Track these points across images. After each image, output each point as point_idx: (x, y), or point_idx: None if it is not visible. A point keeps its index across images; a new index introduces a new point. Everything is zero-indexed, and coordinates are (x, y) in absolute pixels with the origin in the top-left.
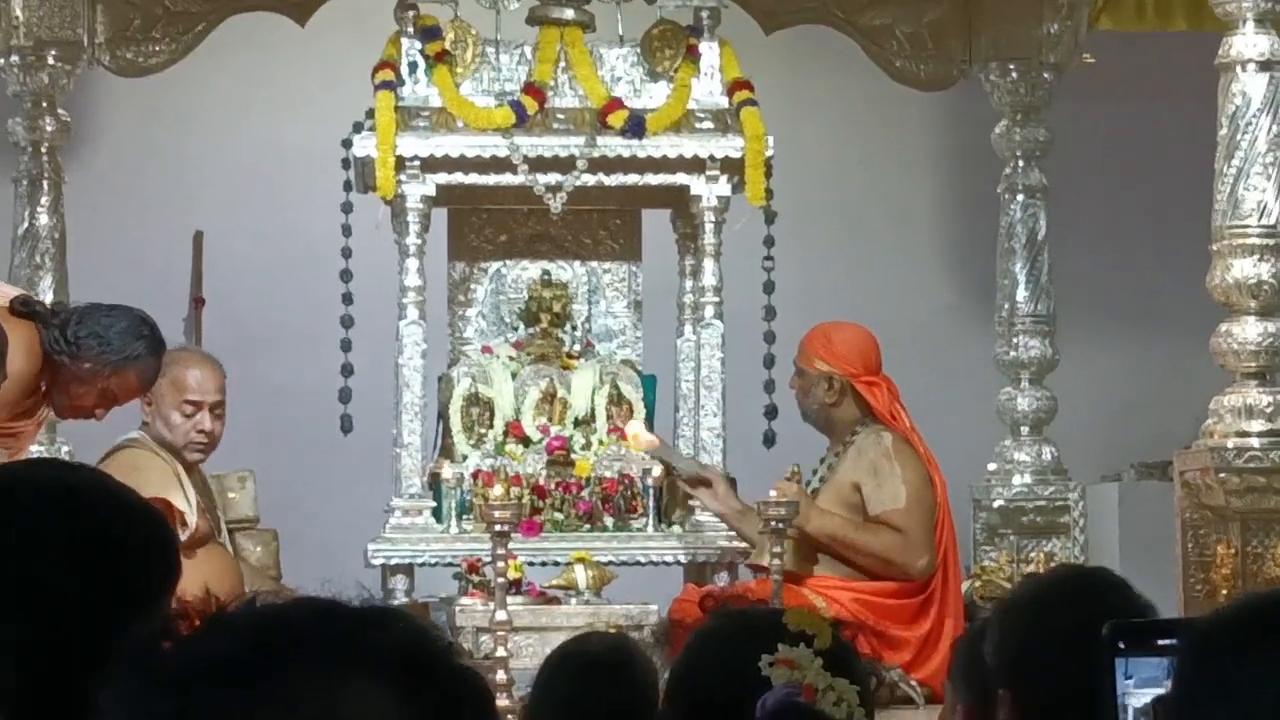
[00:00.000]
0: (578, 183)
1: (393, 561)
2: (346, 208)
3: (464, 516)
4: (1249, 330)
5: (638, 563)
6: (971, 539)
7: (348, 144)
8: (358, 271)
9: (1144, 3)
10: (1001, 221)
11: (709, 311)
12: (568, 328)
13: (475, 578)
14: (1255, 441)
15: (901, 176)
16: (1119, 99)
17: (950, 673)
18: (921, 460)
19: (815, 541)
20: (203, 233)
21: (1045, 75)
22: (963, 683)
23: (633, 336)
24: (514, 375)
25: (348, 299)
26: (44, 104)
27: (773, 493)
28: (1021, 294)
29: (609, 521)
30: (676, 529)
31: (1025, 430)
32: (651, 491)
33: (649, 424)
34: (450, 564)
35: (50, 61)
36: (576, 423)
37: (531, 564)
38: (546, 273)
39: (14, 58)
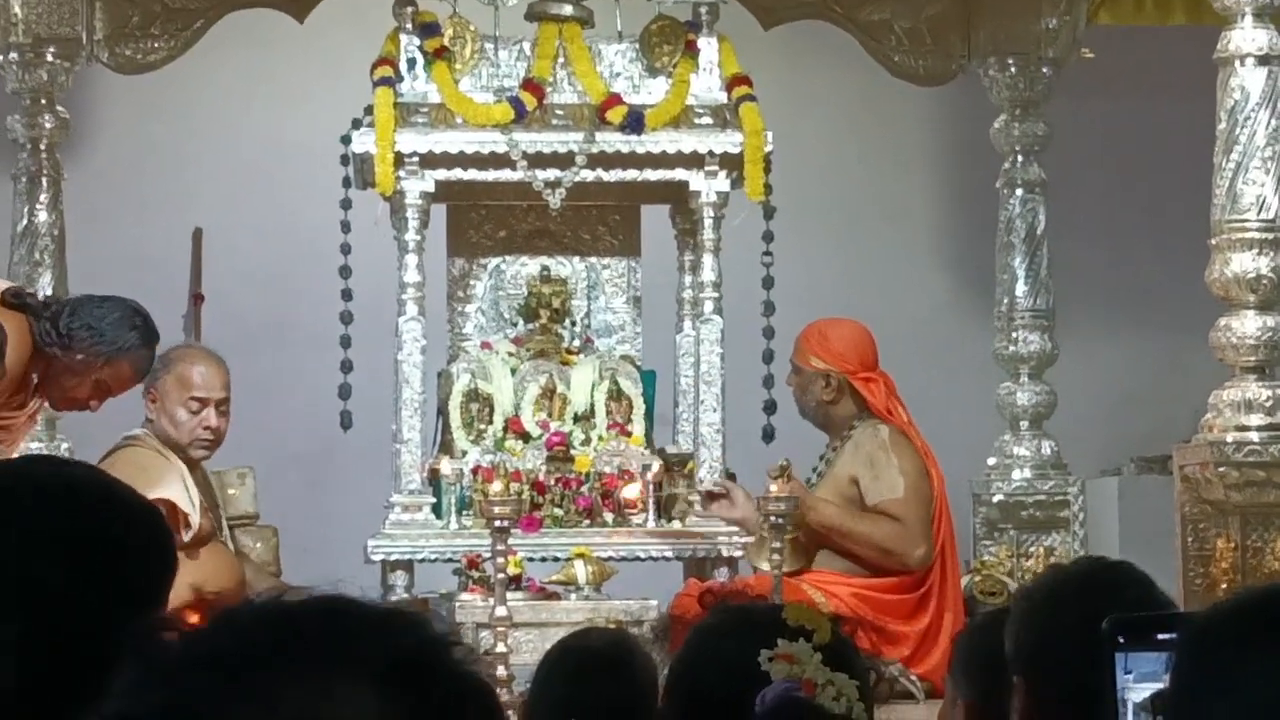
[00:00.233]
0: (577, 178)
1: (392, 557)
2: (345, 204)
3: (464, 512)
4: (1248, 324)
5: (637, 558)
6: (971, 534)
7: (346, 140)
8: (357, 268)
9: None
10: (1000, 216)
11: (708, 307)
12: (567, 323)
13: (475, 573)
14: (1254, 435)
15: (900, 171)
16: (1118, 94)
17: (950, 668)
18: (918, 452)
19: (814, 533)
20: (202, 229)
21: (1044, 70)
22: (963, 678)
23: (632, 332)
24: (513, 371)
25: (347, 295)
26: (43, 101)
27: (772, 488)
28: (1021, 289)
29: (608, 517)
30: (676, 525)
31: (1025, 425)
32: (650, 487)
33: (648, 420)
34: (450, 560)
35: (49, 58)
36: (576, 418)
37: (531, 560)
38: (546, 268)
39: (13, 55)
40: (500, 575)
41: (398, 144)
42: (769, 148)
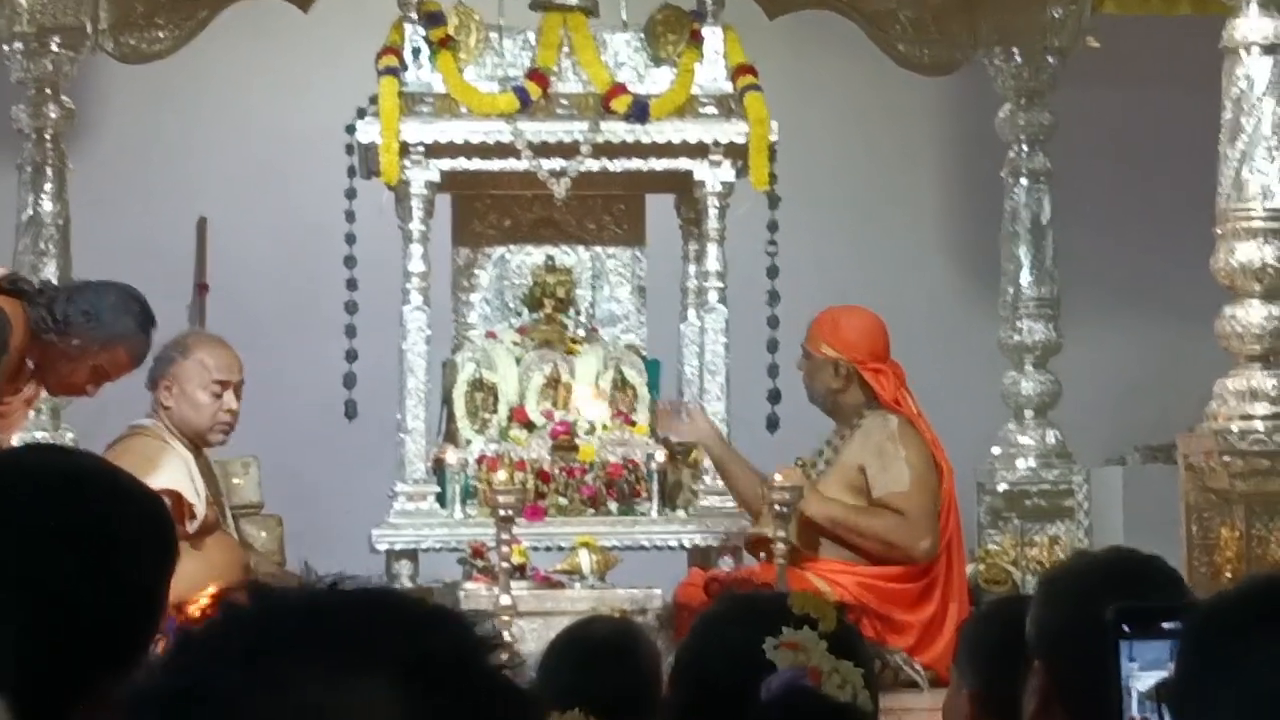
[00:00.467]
0: (581, 168)
1: (397, 547)
2: (350, 194)
3: (468, 501)
4: (1253, 313)
5: (642, 547)
6: (976, 523)
7: (351, 130)
8: (362, 257)
9: None
10: (1005, 206)
11: (713, 296)
12: (571, 313)
13: (480, 563)
14: (1259, 424)
15: (905, 161)
16: (1123, 83)
17: (955, 656)
18: (927, 444)
19: (817, 526)
20: (206, 219)
21: (1049, 59)
22: (968, 666)
23: (636, 321)
24: (518, 360)
25: (352, 285)
26: (47, 91)
27: (777, 476)
28: (1025, 278)
29: (613, 506)
30: (680, 513)
31: (1029, 414)
32: (655, 476)
33: (653, 410)
34: (455, 549)
35: (53, 48)
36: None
37: (536, 549)
38: (550, 258)
39: (17, 44)
40: (505, 564)
41: (402, 133)
42: (774, 137)
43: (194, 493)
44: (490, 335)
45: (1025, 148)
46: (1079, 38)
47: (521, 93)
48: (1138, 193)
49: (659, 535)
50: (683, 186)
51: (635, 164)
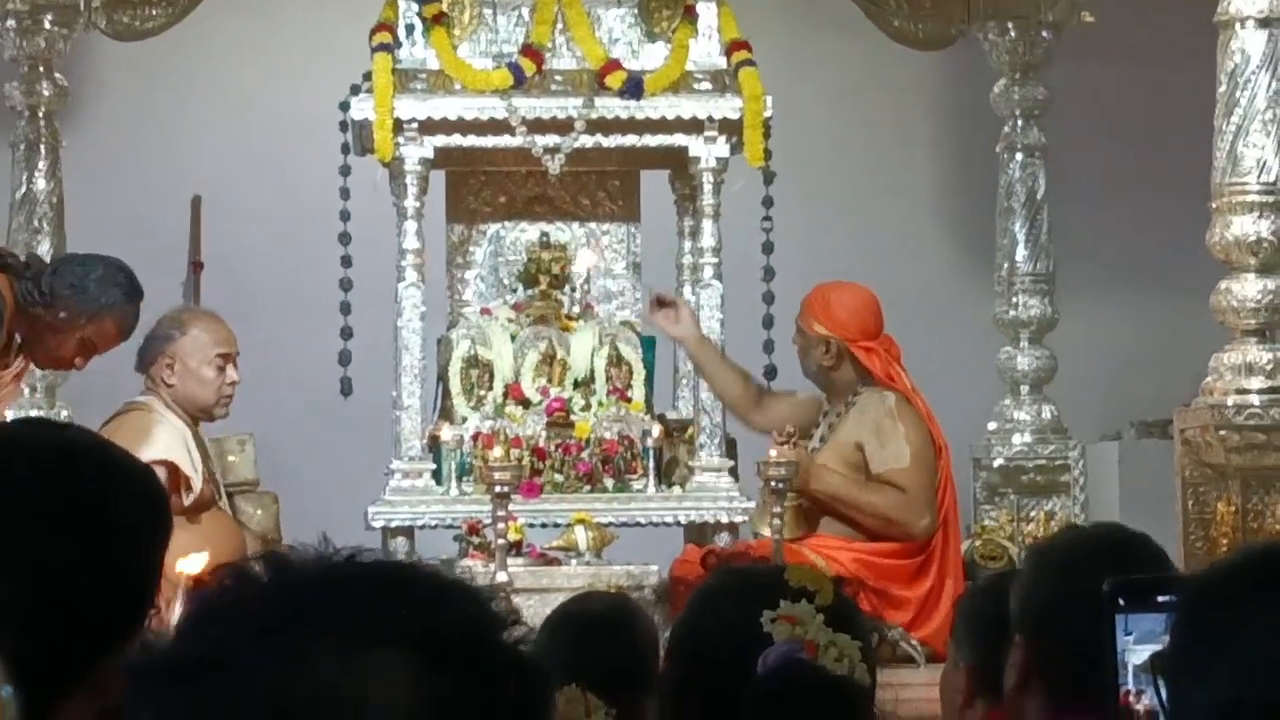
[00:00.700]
0: (576, 144)
1: (393, 524)
2: (344, 170)
3: (464, 478)
4: (1249, 287)
5: (638, 524)
6: (972, 498)
7: (345, 107)
8: (356, 234)
9: None
10: (1000, 180)
11: (708, 272)
12: (566, 289)
13: (476, 539)
14: (1255, 399)
15: (900, 137)
16: (1118, 57)
17: (952, 631)
18: (924, 420)
19: (817, 501)
20: (200, 197)
21: (1044, 34)
22: (965, 641)
23: (632, 298)
24: (513, 337)
25: (346, 262)
26: (40, 68)
27: (773, 453)
28: (1021, 253)
29: (609, 483)
30: (676, 490)
31: (1025, 389)
32: (651, 453)
33: (649, 386)
34: (451, 526)
35: (47, 25)
36: (576, 384)
37: (532, 525)
38: (545, 234)
39: (10, 22)
40: (501, 541)
41: (396, 110)
42: (768, 113)
43: (190, 466)
44: (485, 312)
45: (1020, 123)
46: (1073, 12)
47: (516, 69)
48: (1133, 167)
49: (655, 511)
50: (677, 162)
51: (630, 140)
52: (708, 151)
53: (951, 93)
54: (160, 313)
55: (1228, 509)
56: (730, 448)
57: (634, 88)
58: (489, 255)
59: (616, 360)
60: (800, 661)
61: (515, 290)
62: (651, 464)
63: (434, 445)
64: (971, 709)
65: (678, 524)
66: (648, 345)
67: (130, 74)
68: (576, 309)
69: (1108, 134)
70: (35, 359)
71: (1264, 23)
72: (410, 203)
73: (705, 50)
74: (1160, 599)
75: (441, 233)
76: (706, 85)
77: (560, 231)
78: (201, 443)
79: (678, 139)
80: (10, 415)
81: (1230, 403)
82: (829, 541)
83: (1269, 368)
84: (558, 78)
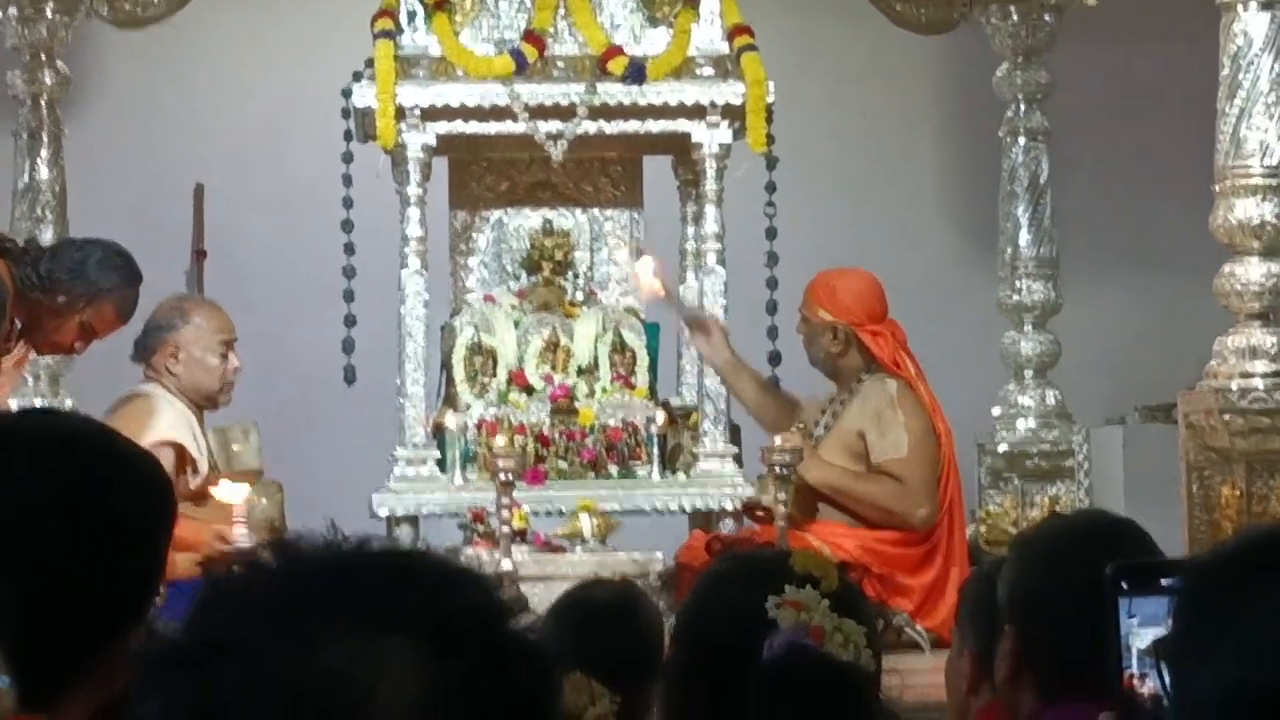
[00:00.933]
0: (578, 130)
1: (398, 512)
2: (347, 158)
3: (468, 466)
4: (1252, 271)
5: (642, 511)
6: (976, 483)
7: (347, 94)
8: (359, 222)
9: None
10: (1003, 165)
11: (711, 258)
12: (570, 276)
13: (480, 527)
14: (1259, 382)
15: (903, 121)
16: (1120, 40)
17: (957, 618)
18: (925, 409)
19: (816, 491)
20: (203, 185)
21: (1046, 17)
22: (969, 627)
23: (635, 284)
24: (517, 324)
25: (349, 249)
26: (43, 56)
27: (777, 439)
28: (1024, 237)
29: (613, 470)
30: (681, 476)
31: (1029, 374)
32: (655, 439)
33: (653, 373)
34: (455, 514)
35: (48, 14)
36: (580, 371)
37: (536, 513)
38: (548, 221)
39: (12, 10)
40: (505, 529)
41: (399, 97)
42: (771, 98)
43: (196, 449)
44: (488, 299)
45: (1023, 107)
46: None
47: (518, 55)
48: (1136, 151)
49: (659, 498)
50: (680, 148)
51: (632, 126)
52: (710, 137)
53: (954, 77)
54: (161, 301)
55: (1232, 493)
56: (734, 434)
57: (636, 73)
58: (492, 242)
59: (620, 347)
60: (805, 647)
61: (518, 277)
62: (656, 451)
63: (438, 433)
64: (977, 695)
65: (682, 511)
66: (651, 332)
67: (132, 62)
68: (580, 295)
69: (1111, 118)
70: (35, 345)
71: (1267, 5)
72: (413, 189)
73: (707, 35)
74: (1163, 582)
75: (444, 219)
76: (709, 70)
77: (563, 218)
78: (204, 433)
79: (680, 124)
80: (14, 405)
81: (1234, 386)
82: (834, 528)
83: (1273, 351)
84: (560, 63)
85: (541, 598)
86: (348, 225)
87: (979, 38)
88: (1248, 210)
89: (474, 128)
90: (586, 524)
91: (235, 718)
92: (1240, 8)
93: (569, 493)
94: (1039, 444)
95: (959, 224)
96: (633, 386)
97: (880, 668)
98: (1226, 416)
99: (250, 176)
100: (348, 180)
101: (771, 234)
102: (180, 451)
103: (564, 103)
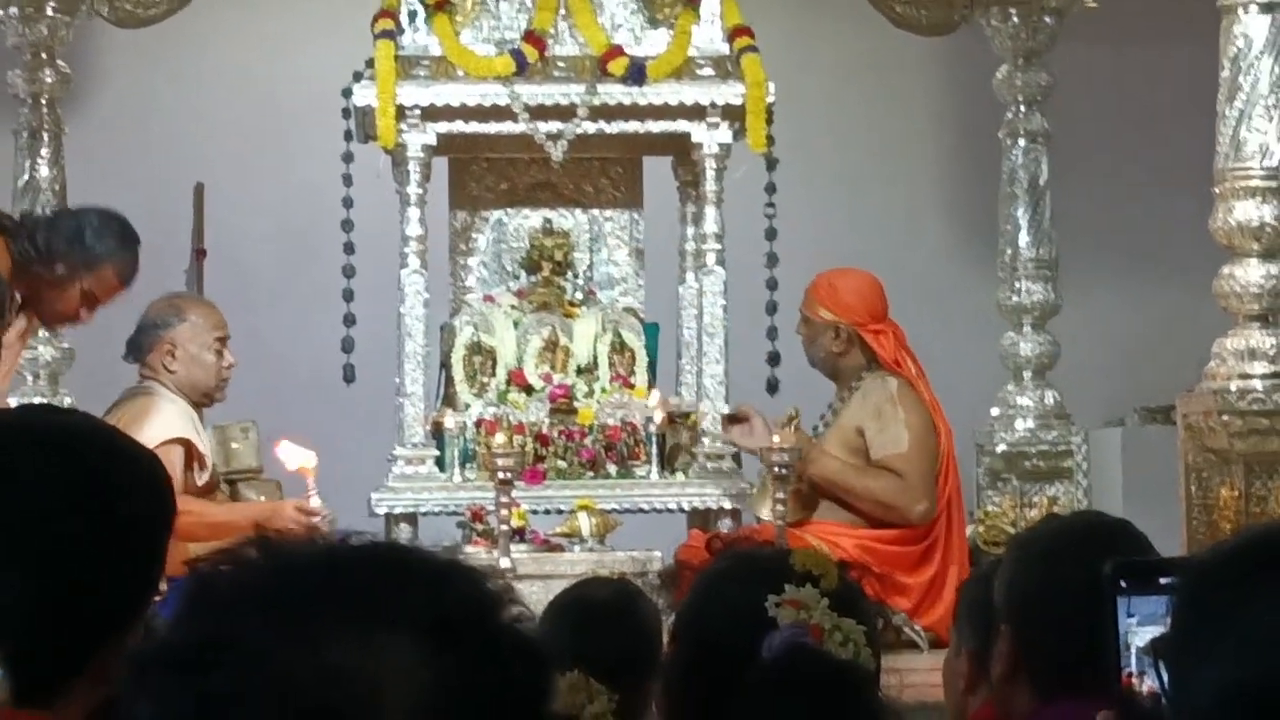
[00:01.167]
0: (579, 131)
1: (396, 510)
2: (347, 157)
3: (467, 465)
4: (1251, 272)
5: (641, 510)
6: (975, 484)
7: (348, 93)
8: (359, 221)
9: None
10: (1003, 166)
11: (711, 259)
12: (569, 276)
13: (479, 526)
14: (1258, 384)
15: (903, 123)
16: (1121, 42)
17: (954, 617)
18: (925, 406)
19: (816, 486)
20: (203, 184)
21: (1046, 19)
22: (967, 626)
23: (635, 284)
24: (516, 324)
25: (349, 249)
26: (43, 55)
27: (775, 439)
28: (1024, 239)
29: (612, 469)
30: (679, 476)
31: (1028, 375)
32: (654, 439)
33: (651, 372)
34: (454, 513)
35: (49, 12)
36: (579, 371)
37: (535, 512)
38: (548, 221)
39: (13, 9)
40: (504, 528)
41: (399, 97)
42: (771, 99)
43: (202, 445)
44: (488, 299)
45: (1023, 108)
46: None
47: (518, 55)
48: (1136, 153)
49: (658, 498)
50: (680, 149)
51: (632, 126)
52: (710, 137)
53: (954, 79)
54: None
55: (1231, 494)
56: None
57: (636, 74)
58: (492, 242)
59: (619, 347)
60: (805, 646)
61: (518, 277)
62: (654, 450)
63: (437, 432)
64: (974, 694)
65: (680, 510)
66: (650, 332)
67: (133, 61)
68: (579, 295)
69: (1111, 120)
70: (41, 317)
71: (1267, 7)
72: (413, 189)
73: (708, 36)
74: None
75: (444, 219)
76: (709, 71)
77: (563, 218)
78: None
79: (680, 125)
80: (13, 402)
81: (1233, 388)
82: (832, 527)
83: (1272, 353)
84: (560, 64)
85: (539, 596)
86: (348, 225)
87: (979, 39)
88: (1247, 212)
89: (474, 128)
90: (585, 523)
91: (234, 719)
92: (1240, 10)
93: (568, 492)
94: (1038, 445)
95: (959, 224)
96: (632, 386)
97: (879, 666)
98: (1225, 418)
99: (250, 176)
100: (348, 180)
101: (771, 234)
102: (189, 448)
103: (564, 103)
